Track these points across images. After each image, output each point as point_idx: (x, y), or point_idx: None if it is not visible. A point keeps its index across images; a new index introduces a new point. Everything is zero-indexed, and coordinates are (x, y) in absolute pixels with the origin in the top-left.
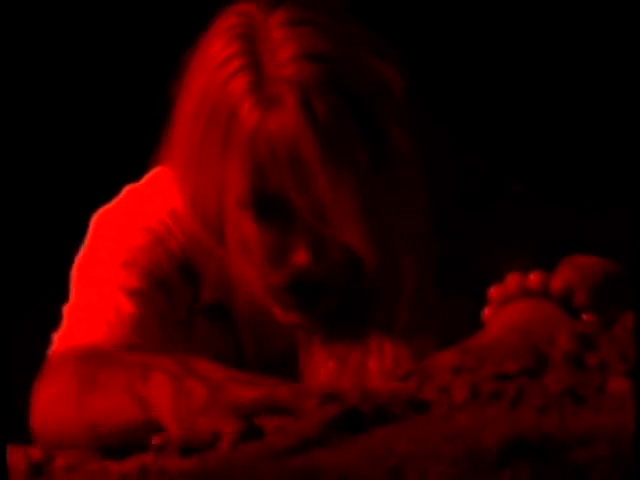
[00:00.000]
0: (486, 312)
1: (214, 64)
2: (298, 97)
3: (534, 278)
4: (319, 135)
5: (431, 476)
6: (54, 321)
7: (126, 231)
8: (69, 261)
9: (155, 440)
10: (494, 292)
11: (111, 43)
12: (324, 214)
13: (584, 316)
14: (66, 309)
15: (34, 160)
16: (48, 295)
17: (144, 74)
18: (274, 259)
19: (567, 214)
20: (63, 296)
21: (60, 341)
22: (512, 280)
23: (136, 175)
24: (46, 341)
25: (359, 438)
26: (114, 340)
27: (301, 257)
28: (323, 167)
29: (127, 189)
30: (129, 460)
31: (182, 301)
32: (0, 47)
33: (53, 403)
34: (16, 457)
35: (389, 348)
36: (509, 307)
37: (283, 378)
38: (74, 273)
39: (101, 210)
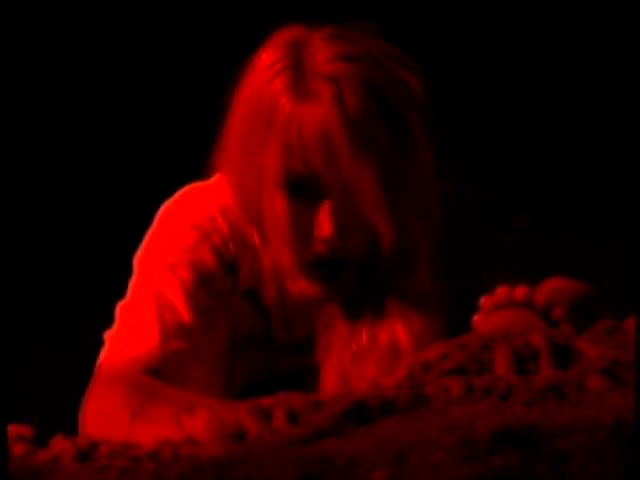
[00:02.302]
0: (476, 318)
1: (262, 68)
2: (332, 90)
3: (520, 291)
4: (347, 122)
5: (431, 462)
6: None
7: (178, 230)
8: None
9: None
10: (485, 301)
11: (182, 52)
12: (349, 191)
13: (561, 326)
14: (120, 308)
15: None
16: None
17: (209, 81)
18: (302, 235)
19: (563, 246)
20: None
21: (110, 348)
22: (501, 291)
23: (196, 174)
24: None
25: (367, 428)
26: (156, 352)
27: (326, 230)
28: (349, 149)
29: (191, 186)
30: (164, 447)
31: (223, 290)
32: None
33: (104, 423)
34: (65, 444)
35: (414, 322)
36: (496, 314)
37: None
38: (134, 268)
39: (164, 206)
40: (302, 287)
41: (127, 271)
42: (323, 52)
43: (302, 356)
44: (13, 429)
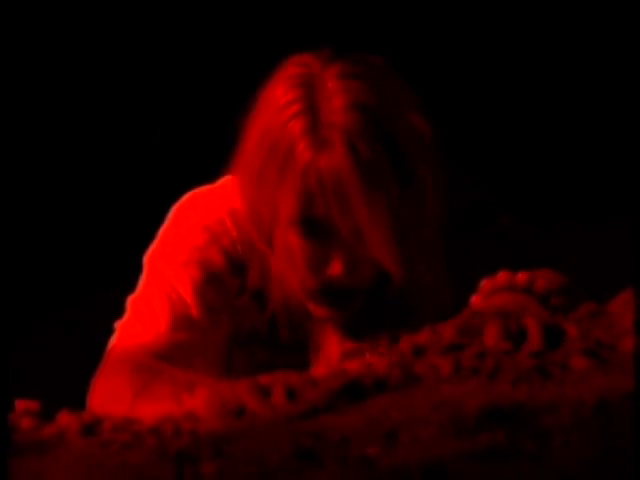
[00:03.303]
0: (474, 298)
1: (278, 105)
2: (345, 141)
3: (522, 276)
4: (360, 173)
5: (421, 438)
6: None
7: (190, 231)
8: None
9: None
10: (485, 284)
11: (191, 57)
12: (361, 235)
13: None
14: (131, 300)
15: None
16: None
17: (226, 90)
18: (313, 268)
19: (544, 240)
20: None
21: (121, 335)
22: (502, 275)
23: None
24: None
25: (360, 406)
26: (159, 342)
27: (336, 269)
28: (362, 198)
29: (202, 188)
30: (165, 422)
31: (230, 290)
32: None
33: (109, 402)
34: (70, 419)
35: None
36: (495, 296)
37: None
38: (145, 261)
39: (175, 207)
40: (309, 308)
41: (132, 262)
42: (336, 98)
43: (301, 354)
44: (21, 404)
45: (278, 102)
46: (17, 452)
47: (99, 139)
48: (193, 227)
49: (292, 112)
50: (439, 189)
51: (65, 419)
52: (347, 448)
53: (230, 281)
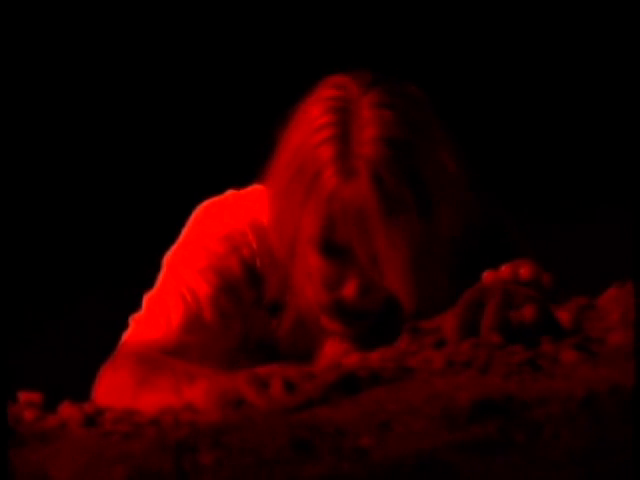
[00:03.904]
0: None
1: (311, 126)
2: (371, 174)
3: (525, 270)
4: (383, 205)
5: (414, 430)
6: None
7: (211, 238)
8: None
9: None
10: (487, 275)
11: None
12: (377, 263)
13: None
14: (147, 297)
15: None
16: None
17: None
18: (327, 286)
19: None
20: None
21: (132, 331)
22: (505, 269)
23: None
24: None
25: (355, 398)
26: (169, 340)
27: (349, 291)
28: (383, 229)
29: (228, 194)
30: (165, 414)
31: (245, 300)
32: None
33: (112, 393)
34: (72, 410)
35: None
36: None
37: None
38: (165, 262)
39: (199, 210)
40: (322, 322)
41: (134, 260)
42: (368, 129)
43: (303, 365)
44: (24, 396)
45: (312, 123)
46: (20, 443)
47: (121, 137)
48: (215, 235)
49: (324, 136)
50: (459, 222)
51: (67, 410)
52: (342, 439)
53: (246, 291)
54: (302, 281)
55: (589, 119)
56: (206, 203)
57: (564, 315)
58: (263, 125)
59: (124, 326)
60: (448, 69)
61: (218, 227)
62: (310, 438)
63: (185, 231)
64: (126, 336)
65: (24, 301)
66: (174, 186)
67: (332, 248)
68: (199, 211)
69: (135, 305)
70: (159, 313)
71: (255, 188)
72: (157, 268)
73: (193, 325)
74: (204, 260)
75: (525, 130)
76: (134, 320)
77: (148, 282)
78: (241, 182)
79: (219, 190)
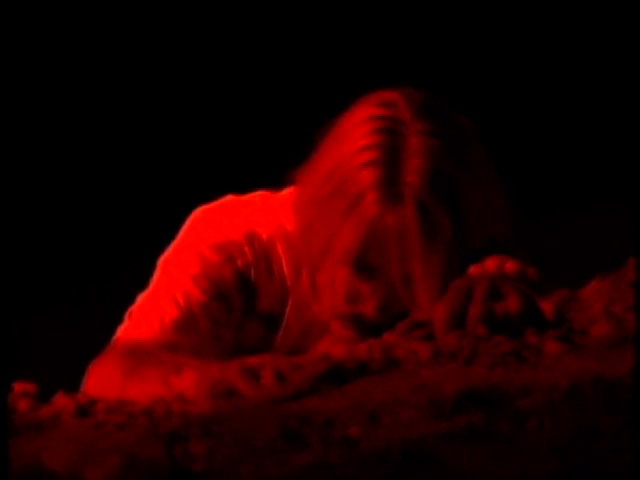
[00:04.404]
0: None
1: (357, 144)
2: (416, 202)
3: (511, 265)
4: (424, 233)
5: (401, 419)
6: None
7: (206, 244)
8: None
9: None
10: (473, 269)
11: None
12: (410, 284)
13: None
14: (140, 298)
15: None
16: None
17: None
18: (348, 299)
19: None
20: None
21: (124, 329)
22: (491, 262)
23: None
24: None
25: (343, 389)
26: (161, 339)
27: (369, 308)
28: (421, 255)
29: (227, 199)
30: (157, 404)
31: (237, 309)
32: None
33: (101, 385)
34: (66, 401)
35: None
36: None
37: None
38: (159, 264)
39: (197, 214)
40: (333, 327)
41: (127, 254)
42: (416, 158)
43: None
44: (19, 386)
45: (359, 140)
46: (15, 432)
47: (121, 136)
48: (210, 242)
49: (370, 158)
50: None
51: (61, 401)
52: (331, 429)
53: (238, 302)
54: (323, 287)
55: (585, 115)
56: (204, 208)
57: (547, 307)
58: (269, 130)
59: (119, 320)
60: (446, 62)
61: (214, 234)
62: (299, 428)
63: (181, 235)
64: (118, 334)
65: (21, 293)
66: (172, 186)
67: (362, 264)
68: (196, 215)
69: (130, 300)
70: (152, 314)
71: (255, 195)
72: (152, 266)
73: (185, 327)
74: (198, 267)
75: (522, 125)
76: (126, 320)
77: (144, 279)
78: (241, 186)
79: (218, 193)
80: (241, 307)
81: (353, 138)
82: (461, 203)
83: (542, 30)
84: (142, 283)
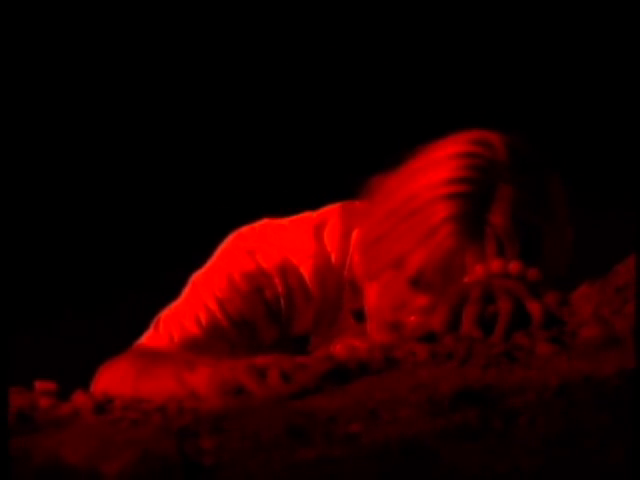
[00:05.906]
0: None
1: (448, 176)
2: (495, 242)
3: (515, 265)
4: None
5: (400, 417)
6: None
7: (237, 271)
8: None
9: None
10: (477, 269)
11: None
12: None
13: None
14: (165, 310)
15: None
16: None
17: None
18: (395, 308)
19: None
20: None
21: (147, 336)
22: (495, 263)
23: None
24: None
25: (345, 388)
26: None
27: (436, 323)
28: None
29: (263, 223)
30: (170, 401)
31: (261, 336)
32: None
33: (113, 383)
34: (83, 398)
35: None
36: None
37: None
38: (191, 280)
39: (233, 235)
40: (369, 327)
41: (148, 265)
42: (503, 203)
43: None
44: (40, 385)
45: (451, 172)
46: (36, 429)
47: (155, 151)
48: (242, 269)
49: (460, 190)
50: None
51: (80, 399)
52: (333, 426)
53: (264, 330)
54: (372, 293)
55: (585, 115)
56: (240, 231)
57: (537, 309)
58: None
59: (139, 326)
60: (446, 62)
61: (246, 261)
62: (304, 424)
63: (216, 256)
64: (141, 340)
65: (45, 297)
66: (214, 203)
67: (419, 280)
68: (232, 238)
69: (150, 308)
70: (173, 327)
71: (291, 220)
72: (183, 279)
73: (203, 347)
74: (226, 291)
75: (522, 125)
76: (151, 328)
77: (170, 290)
78: (276, 207)
79: (258, 211)
80: (267, 334)
81: (445, 168)
82: (541, 250)
83: (551, 29)
84: (168, 294)
